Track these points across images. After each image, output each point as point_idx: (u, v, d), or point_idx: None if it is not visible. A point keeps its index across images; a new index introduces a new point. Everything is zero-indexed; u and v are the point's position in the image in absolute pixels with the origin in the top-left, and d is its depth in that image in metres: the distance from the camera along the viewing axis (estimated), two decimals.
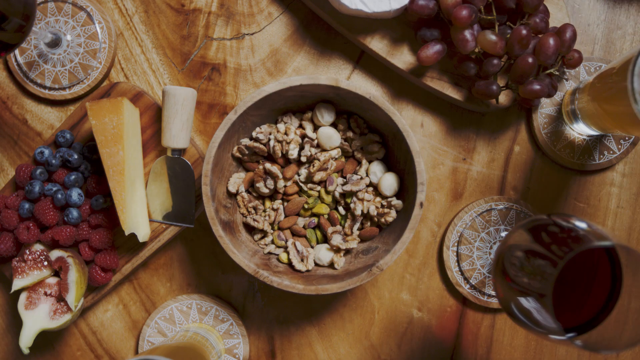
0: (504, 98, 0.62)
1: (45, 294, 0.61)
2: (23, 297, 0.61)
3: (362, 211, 0.60)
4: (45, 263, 0.61)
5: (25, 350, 0.60)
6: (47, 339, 0.67)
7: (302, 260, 0.61)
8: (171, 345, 0.56)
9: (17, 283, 0.60)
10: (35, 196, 0.61)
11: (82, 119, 0.65)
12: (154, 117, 0.64)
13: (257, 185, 0.61)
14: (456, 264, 0.65)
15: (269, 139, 0.61)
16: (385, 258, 0.56)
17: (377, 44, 0.63)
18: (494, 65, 0.59)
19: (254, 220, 0.61)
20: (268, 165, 0.60)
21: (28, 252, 0.61)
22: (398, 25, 0.63)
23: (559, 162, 0.65)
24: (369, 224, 0.61)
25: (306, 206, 0.62)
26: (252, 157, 0.62)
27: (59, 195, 0.61)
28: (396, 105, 0.67)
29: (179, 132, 0.61)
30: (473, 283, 0.65)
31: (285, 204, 0.62)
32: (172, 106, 0.61)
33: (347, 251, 0.62)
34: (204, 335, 0.63)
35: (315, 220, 0.62)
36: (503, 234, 0.65)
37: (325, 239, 0.63)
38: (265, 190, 0.61)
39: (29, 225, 0.61)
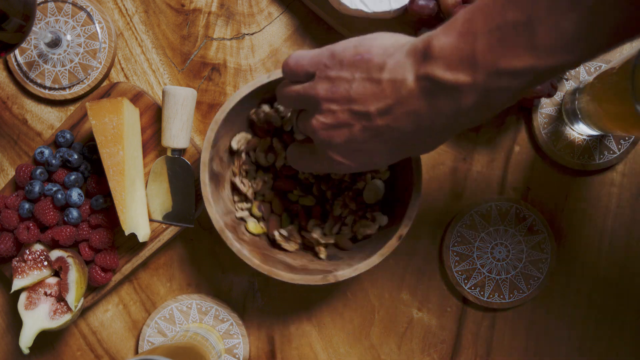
0: None
1: (45, 294, 0.61)
2: (23, 297, 0.61)
3: (340, 214, 0.60)
4: (45, 263, 0.61)
5: (25, 350, 0.60)
6: (47, 339, 0.67)
7: (289, 239, 0.61)
8: (171, 345, 0.57)
9: (17, 283, 0.60)
10: (35, 196, 0.61)
11: (82, 119, 0.65)
12: (154, 117, 0.64)
13: (258, 154, 0.61)
14: (456, 264, 0.65)
15: (287, 115, 0.61)
16: (344, 271, 0.55)
17: None
18: None
19: (242, 182, 0.61)
20: (276, 140, 0.60)
21: (28, 252, 0.61)
22: (398, 25, 0.63)
23: (559, 162, 0.65)
24: (348, 232, 0.61)
25: (295, 192, 0.62)
26: (264, 124, 0.62)
27: (59, 195, 0.61)
28: None
29: (179, 132, 0.61)
30: (473, 283, 0.65)
31: (276, 181, 0.62)
32: (172, 106, 0.61)
33: (326, 246, 0.62)
34: (204, 335, 0.63)
35: (296, 207, 0.62)
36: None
37: (300, 228, 0.63)
38: (264, 162, 0.61)
39: (29, 225, 0.61)
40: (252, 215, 0.63)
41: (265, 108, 0.60)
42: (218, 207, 0.58)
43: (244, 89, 0.56)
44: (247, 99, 0.57)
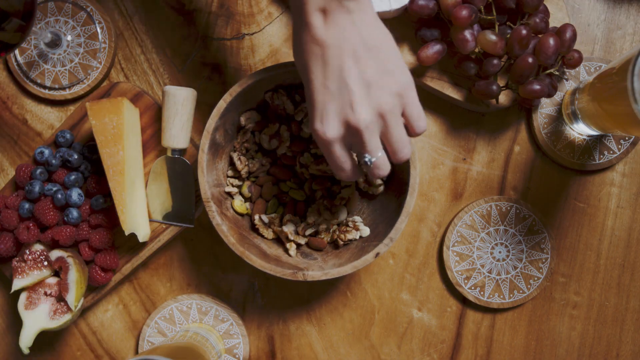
0: (504, 98, 0.62)
1: (45, 294, 0.61)
2: (23, 297, 0.61)
3: (314, 221, 0.61)
4: (45, 263, 0.61)
5: (25, 350, 0.60)
6: (47, 339, 0.67)
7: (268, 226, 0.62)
8: (171, 345, 0.57)
9: (17, 283, 0.60)
10: (35, 196, 0.61)
11: (82, 119, 0.65)
12: (154, 117, 0.64)
13: (263, 136, 0.61)
14: (456, 264, 0.65)
15: (300, 104, 0.61)
16: (315, 272, 0.56)
17: None
18: (494, 65, 0.59)
19: (239, 159, 0.61)
20: (284, 128, 0.60)
21: (28, 252, 0.61)
22: (398, 25, 0.63)
23: (559, 162, 0.65)
24: (324, 237, 0.62)
25: (288, 183, 0.62)
26: (277, 108, 0.62)
27: (59, 195, 0.61)
28: None
29: (179, 132, 0.61)
30: (473, 283, 0.65)
31: (273, 166, 0.62)
32: (172, 106, 0.61)
33: (298, 245, 0.62)
34: (204, 335, 0.63)
35: (286, 197, 0.62)
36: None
37: (282, 219, 0.63)
38: (266, 145, 0.62)
39: (29, 225, 0.61)
40: (240, 194, 0.63)
41: (282, 93, 0.61)
42: (210, 177, 0.58)
43: (267, 70, 0.56)
44: (266, 81, 0.58)
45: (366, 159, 0.47)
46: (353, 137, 0.46)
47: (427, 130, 0.67)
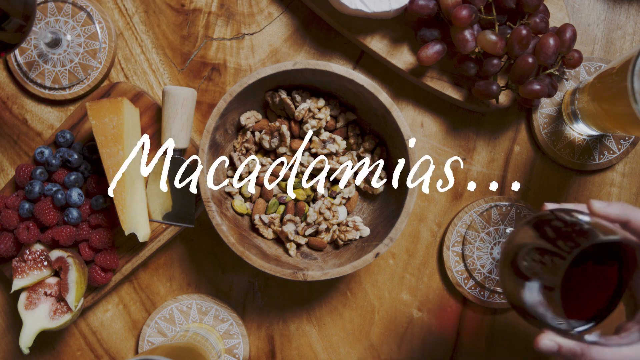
0: (504, 98, 0.62)
1: (45, 294, 0.61)
2: (23, 297, 0.61)
3: (314, 221, 0.61)
4: (45, 263, 0.61)
5: (25, 350, 0.60)
6: (47, 339, 0.67)
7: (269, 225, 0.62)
8: (171, 345, 0.57)
9: (17, 283, 0.60)
10: (35, 196, 0.61)
11: (82, 119, 0.65)
12: (154, 117, 0.64)
13: (263, 136, 0.61)
14: (456, 264, 0.65)
15: (301, 104, 0.61)
16: (315, 272, 0.56)
17: (377, 44, 0.63)
18: (494, 65, 0.59)
19: (239, 159, 0.61)
20: (284, 127, 0.60)
21: (28, 252, 0.61)
22: (398, 25, 0.63)
23: (559, 162, 0.65)
24: (324, 237, 0.62)
25: (289, 182, 0.62)
26: (277, 109, 0.62)
27: (59, 195, 0.61)
28: (396, 105, 0.67)
29: (179, 132, 0.61)
30: (473, 283, 0.65)
31: (274, 166, 0.62)
32: (172, 106, 0.61)
33: (298, 245, 0.62)
34: (204, 335, 0.63)
35: (286, 197, 0.63)
36: (508, 230, 0.65)
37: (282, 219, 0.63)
38: (267, 145, 0.62)
39: (29, 225, 0.61)
40: (240, 193, 0.63)
41: (282, 93, 0.61)
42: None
43: (267, 70, 0.56)
44: (267, 81, 0.58)
45: None
46: None
47: (427, 130, 0.67)
